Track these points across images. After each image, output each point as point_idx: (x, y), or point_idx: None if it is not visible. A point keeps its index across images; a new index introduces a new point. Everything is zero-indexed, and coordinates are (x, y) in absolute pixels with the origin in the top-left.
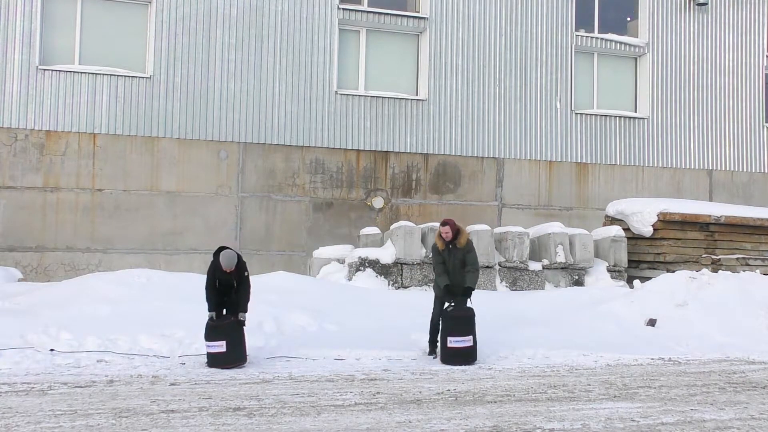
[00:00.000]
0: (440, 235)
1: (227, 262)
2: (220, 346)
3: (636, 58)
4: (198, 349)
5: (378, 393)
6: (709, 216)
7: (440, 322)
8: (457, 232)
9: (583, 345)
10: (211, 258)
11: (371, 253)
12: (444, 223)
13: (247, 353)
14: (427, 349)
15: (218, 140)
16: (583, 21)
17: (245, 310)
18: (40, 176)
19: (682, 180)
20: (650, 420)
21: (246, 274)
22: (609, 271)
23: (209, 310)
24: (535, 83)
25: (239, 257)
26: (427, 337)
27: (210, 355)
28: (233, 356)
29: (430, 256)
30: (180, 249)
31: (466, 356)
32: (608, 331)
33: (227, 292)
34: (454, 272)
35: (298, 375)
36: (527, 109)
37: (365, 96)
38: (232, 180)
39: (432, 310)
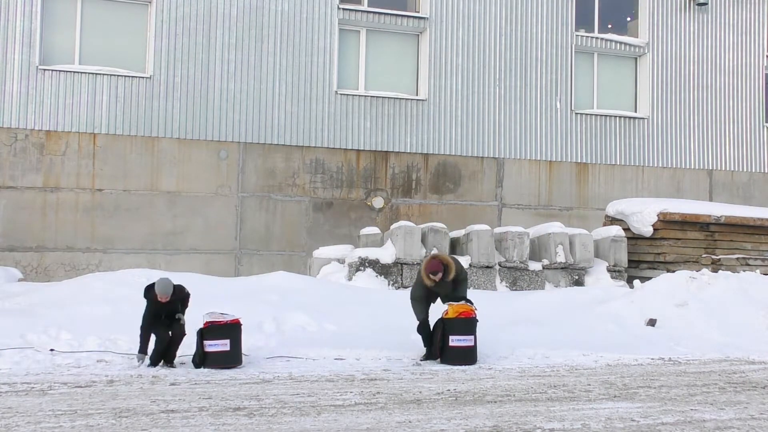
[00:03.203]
0: (428, 274)
1: (161, 289)
2: (224, 345)
3: (636, 58)
4: None
5: (378, 393)
6: (709, 216)
7: (436, 323)
8: (445, 270)
9: (583, 345)
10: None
11: (371, 253)
12: (434, 271)
13: (247, 353)
14: (424, 352)
15: (218, 140)
16: (583, 21)
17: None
18: (40, 176)
19: (682, 180)
20: (650, 420)
21: (178, 306)
22: (609, 271)
23: (140, 351)
24: (535, 83)
25: (175, 287)
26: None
27: (209, 354)
28: (234, 356)
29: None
30: (180, 249)
31: (468, 355)
32: (608, 331)
33: (170, 320)
34: (445, 298)
35: (298, 375)
36: (527, 109)
37: (365, 96)
38: (232, 180)
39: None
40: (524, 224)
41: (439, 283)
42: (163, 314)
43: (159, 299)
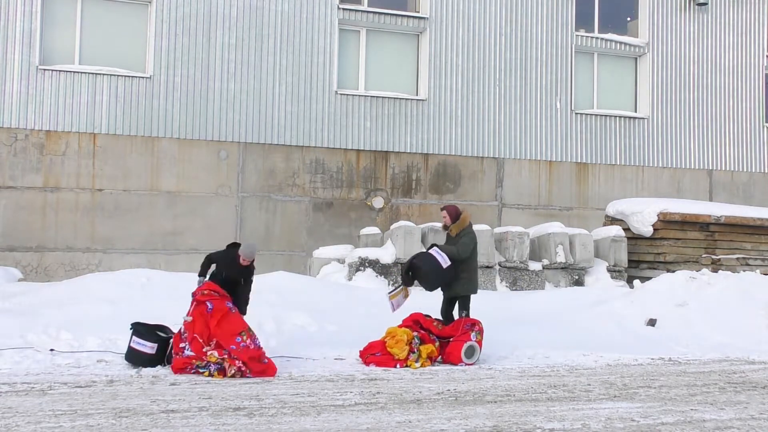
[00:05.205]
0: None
1: (248, 251)
2: (152, 348)
3: (636, 58)
4: None
5: (378, 393)
6: (709, 216)
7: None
8: (456, 218)
9: (583, 345)
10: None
11: (371, 253)
12: (442, 208)
13: None
14: None
15: (218, 140)
16: (583, 21)
17: (243, 313)
18: (40, 176)
19: (682, 180)
20: (650, 420)
21: (251, 271)
22: (609, 271)
23: (200, 275)
24: (535, 83)
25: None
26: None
27: (134, 352)
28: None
29: None
30: (180, 249)
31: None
32: (608, 331)
33: (229, 288)
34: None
35: (298, 375)
36: (527, 109)
37: (365, 96)
38: (232, 180)
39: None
40: (524, 224)
41: (448, 234)
42: (227, 276)
43: (242, 261)
